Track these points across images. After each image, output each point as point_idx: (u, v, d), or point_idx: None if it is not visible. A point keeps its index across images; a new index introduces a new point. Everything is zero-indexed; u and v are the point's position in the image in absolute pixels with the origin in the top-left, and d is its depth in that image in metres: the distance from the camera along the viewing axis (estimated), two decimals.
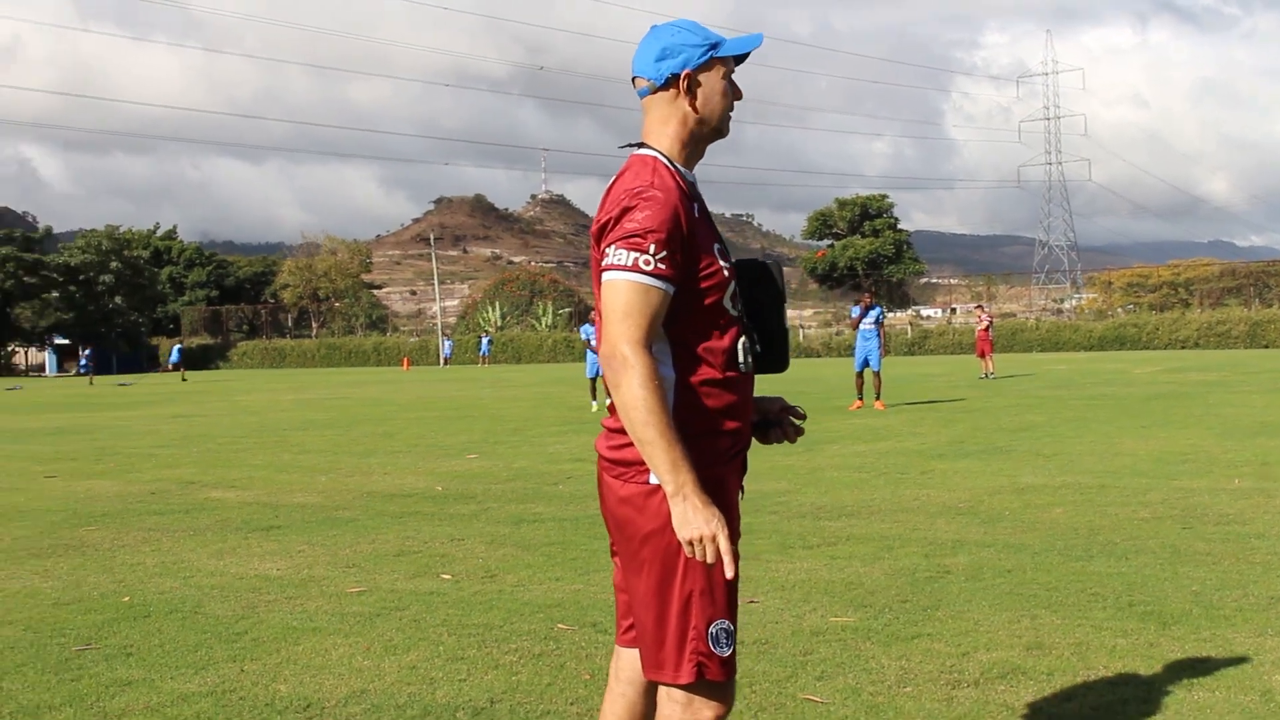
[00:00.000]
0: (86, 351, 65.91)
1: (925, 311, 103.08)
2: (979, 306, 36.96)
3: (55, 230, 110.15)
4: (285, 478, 12.66)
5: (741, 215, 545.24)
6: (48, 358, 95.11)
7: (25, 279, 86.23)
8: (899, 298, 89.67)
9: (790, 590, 6.51)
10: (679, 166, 2.96)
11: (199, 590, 7.00)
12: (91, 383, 57.03)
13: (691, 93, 2.96)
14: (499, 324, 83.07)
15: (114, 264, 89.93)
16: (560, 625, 5.93)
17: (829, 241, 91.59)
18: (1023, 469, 11.50)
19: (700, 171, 3.08)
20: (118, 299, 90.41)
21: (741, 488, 3.10)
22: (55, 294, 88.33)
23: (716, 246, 2.92)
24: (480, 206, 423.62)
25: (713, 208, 3.14)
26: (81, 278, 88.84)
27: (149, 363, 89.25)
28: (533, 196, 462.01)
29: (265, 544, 8.52)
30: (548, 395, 29.58)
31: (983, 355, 32.37)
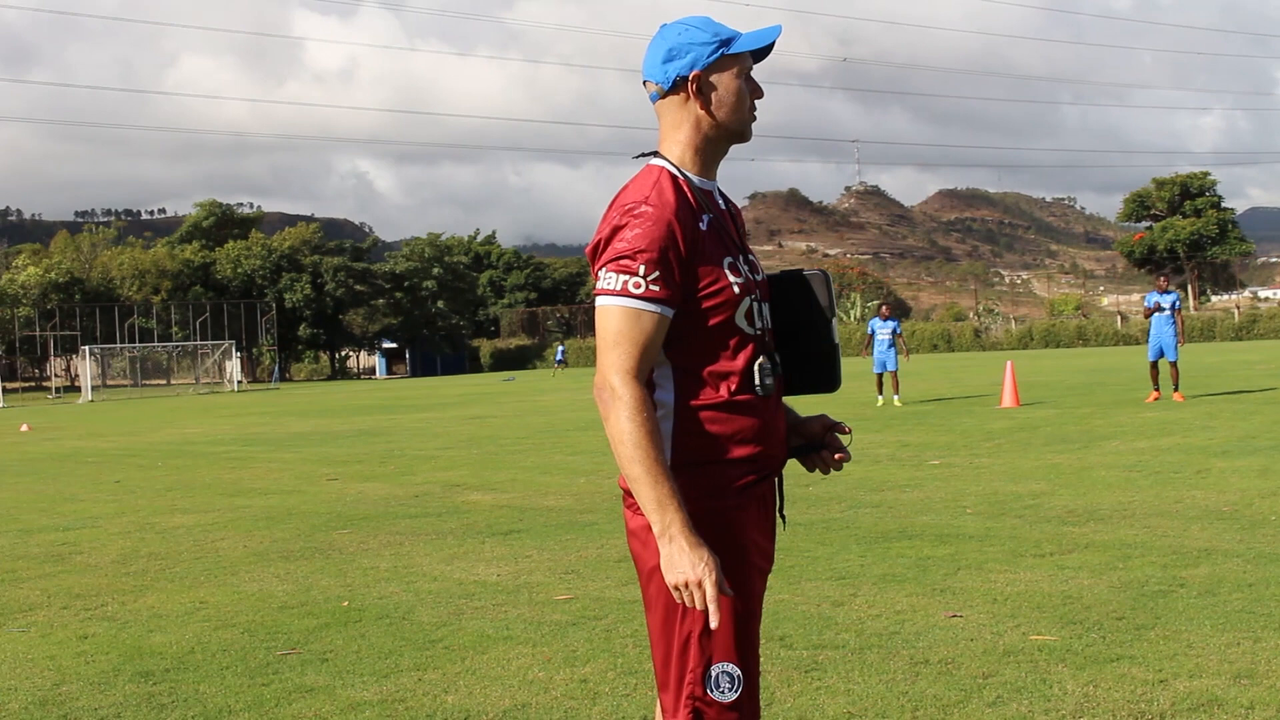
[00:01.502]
0: (560, 349, 72.11)
1: (1263, 293, 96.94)
2: None
3: (388, 239, 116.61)
4: (547, 480, 12.89)
5: (1063, 199, 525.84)
6: (378, 361, 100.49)
7: (355, 287, 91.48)
8: (1224, 280, 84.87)
9: (1001, 604, 6.13)
10: (690, 175, 2.76)
11: (415, 596, 7.16)
12: (557, 372, 65.95)
13: (703, 95, 2.75)
14: None
15: (436, 270, 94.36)
16: None
17: (1146, 224, 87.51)
18: None
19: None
20: (440, 303, 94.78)
21: (783, 516, 2.89)
22: (382, 300, 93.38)
23: (728, 260, 2.71)
24: (794, 200, 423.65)
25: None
26: (406, 284, 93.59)
27: (471, 363, 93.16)
28: (847, 188, 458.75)
29: (498, 549, 8.65)
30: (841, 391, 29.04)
31: None
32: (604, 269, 2.64)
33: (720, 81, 2.75)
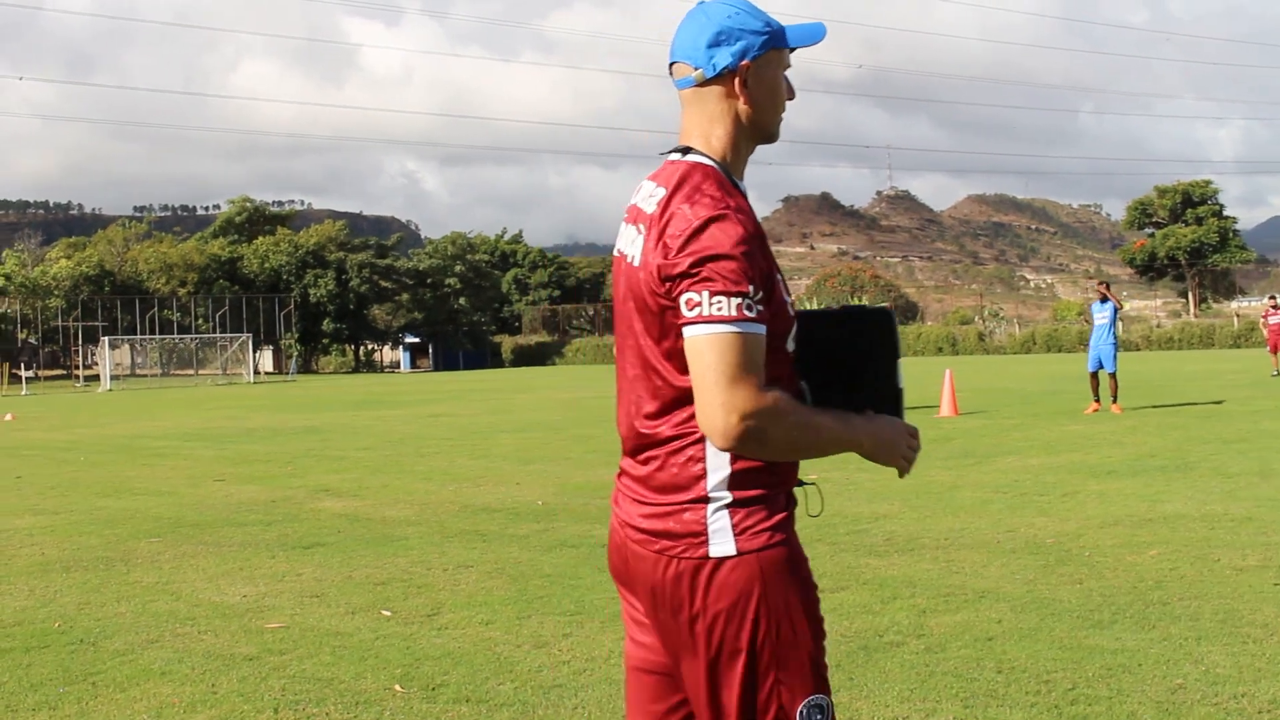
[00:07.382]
0: None
1: (1248, 303, 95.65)
2: (1271, 298, 33.47)
3: (434, 235, 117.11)
4: (419, 487, 12.36)
5: (1090, 205, 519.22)
6: (402, 355, 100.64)
7: (380, 283, 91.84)
8: (1225, 288, 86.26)
9: None
10: (736, 180, 2.42)
11: (131, 618, 6.72)
12: None
13: (749, 89, 2.40)
14: None
15: (458, 267, 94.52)
16: (397, 687, 5.23)
17: (1149, 231, 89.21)
18: (1181, 493, 9.90)
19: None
20: (462, 300, 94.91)
21: None
22: (406, 296, 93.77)
23: (778, 276, 2.36)
24: (826, 203, 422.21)
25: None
26: (429, 281, 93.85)
27: (492, 359, 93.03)
28: (878, 193, 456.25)
29: (280, 564, 8.22)
30: None
31: (1275, 350, 29.95)
32: (701, 290, 2.22)
33: (767, 75, 2.43)
